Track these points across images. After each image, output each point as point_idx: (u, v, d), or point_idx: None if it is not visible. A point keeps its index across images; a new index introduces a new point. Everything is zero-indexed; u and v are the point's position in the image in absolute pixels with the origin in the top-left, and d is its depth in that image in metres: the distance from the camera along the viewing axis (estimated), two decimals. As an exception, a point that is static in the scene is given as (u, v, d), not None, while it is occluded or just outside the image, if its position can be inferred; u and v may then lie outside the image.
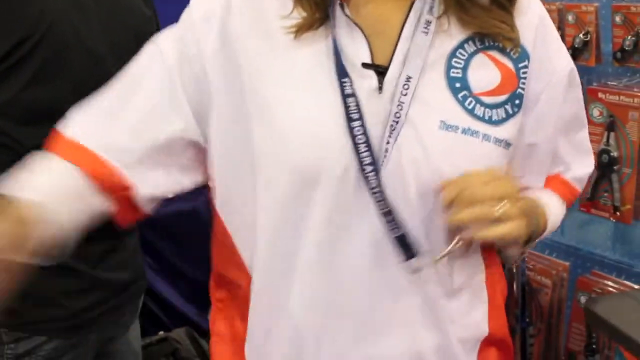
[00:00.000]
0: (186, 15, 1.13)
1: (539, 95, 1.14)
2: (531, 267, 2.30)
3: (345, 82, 1.05)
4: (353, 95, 1.04)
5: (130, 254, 1.76)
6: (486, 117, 1.08)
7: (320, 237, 1.07)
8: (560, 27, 2.18)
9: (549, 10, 2.12)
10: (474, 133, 1.07)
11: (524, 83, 1.11)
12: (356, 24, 1.07)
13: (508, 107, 1.10)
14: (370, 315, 1.11)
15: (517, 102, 1.11)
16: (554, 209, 1.25)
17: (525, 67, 1.11)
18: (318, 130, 1.05)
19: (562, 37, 2.17)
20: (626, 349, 1.62)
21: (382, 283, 1.09)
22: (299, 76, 1.08)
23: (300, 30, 1.07)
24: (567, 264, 2.25)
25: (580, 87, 1.23)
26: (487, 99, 1.09)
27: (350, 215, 1.06)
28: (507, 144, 1.10)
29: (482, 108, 1.08)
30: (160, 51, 1.12)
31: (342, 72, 1.05)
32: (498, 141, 1.09)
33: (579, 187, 1.32)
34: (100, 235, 1.64)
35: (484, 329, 1.19)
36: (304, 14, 1.07)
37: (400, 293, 1.10)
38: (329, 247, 1.07)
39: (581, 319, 2.19)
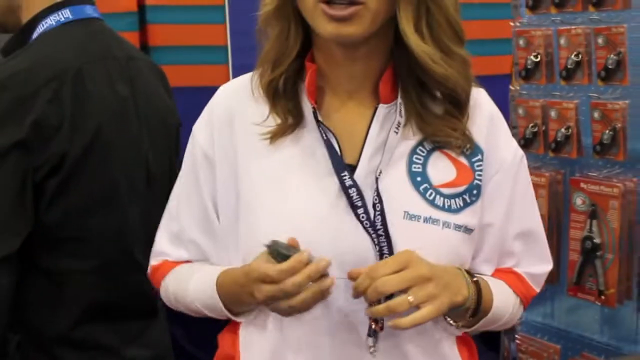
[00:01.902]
0: (207, 114, 1.30)
1: (490, 179, 1.24)
2: (523, 349, 2.37)
3: (344, 175, 1.17)
4: (354, 186, 1.17)
5: (160, 333, 1.85)
6: (445, 207, 1.19)
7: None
8: (544, 122, 2.31)
9: (532, 107, 2.31)
10: (435, 221, 1.19)
11: (479, 175, 1.22)
12: (329, 129, 1.20)
13: (466, 196, 1.21)
14: None
15: (474, 192, 1.22)
16: (499, 288, 1.28)
17: (480, 160, 1.22)
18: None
19: (546, 131, 2.31)
20: None
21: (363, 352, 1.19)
22: (287, 176, 1.22)
23: (275, 136, 1.22)
24: (558, 346, 2.32)
25: (528, 176, 1.31)
26: (446, 190, 1.20)
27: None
28: (467, 229, 1.21)
29: (442, 198, 1.19)
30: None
31: (339, 167, 1.18)
32: (458, 227, 1.20)
33: (535, 286, 1.34)
34: (139, 314, 1.77)
35: None
36: (278, 120, 1.22)
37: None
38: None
39: (573, 401, 2.26)
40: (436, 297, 1.10)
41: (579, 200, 2.15)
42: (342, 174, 1.18)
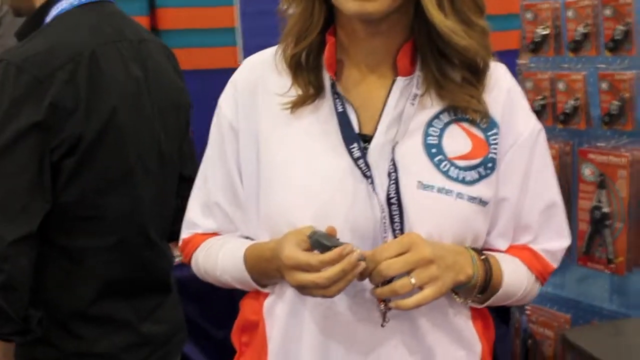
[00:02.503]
0: (231, 87, 1.34)
1: (505, 153, 1.26)
2: (534, 320, 2.40)
3: (353, 147, 1.21)
4: (361, 157, 1.20)
5: (173, 309, 1.89)
6: (460, 178, 1.22)
7: None
8: (553, 94, 2.33)
9: (541, 80, 2.33)
10: (448, 192, 1.21)
11: (495, 148, 1.24)
12: (347, 100, 1.23)
13: (481, 169, 1.23)
14: (367, 355, 1.24)
15: (489, 165, 1.24)
16: (512, 265, 1.29)
17: (495, 134, 1.24)
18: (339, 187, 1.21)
19: (554, 103, 2.33)
20: None
21: (377, 322, 1.22)
22: (305, 145, 1.25)
23: (296, 105, 1.25)
24: (568, 316, 2.35)
25: (547, 150, 1.32)
26: (461, 163, 1.22)
27: None
28: (482, 202, 1.23)
29: (456, 170, 1.22)
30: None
31: (349, 139, 1.21)
32: (471, 198, 1.22)
33: (553, 262, 1.34)
34: (153, 290, 1.80)
35: (476, 350, 1.30)
36: (300, 92, 1.25)
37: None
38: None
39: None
40: (438, 279, 1.13)
41: (587, 171, 2.17)
42: (352, 146, 1.21)
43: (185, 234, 1.42)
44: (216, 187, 1.35)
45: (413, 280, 1.11)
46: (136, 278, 1.74)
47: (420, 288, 1.12)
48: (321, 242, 1.12)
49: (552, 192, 1.32)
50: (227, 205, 1.34)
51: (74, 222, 1.63)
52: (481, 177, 1.23)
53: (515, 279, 1.29)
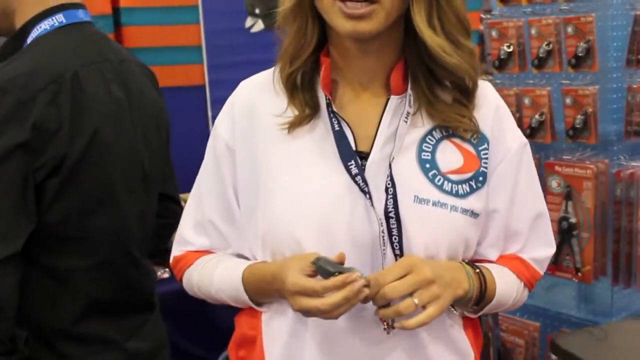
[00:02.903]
0: (228, 108, 1.36)
1: (495, 168, 1.30)
2: (504, 328, 2.46)
3: (350, 164, 1.25)
4: (359, 174, 1.24)
5: (157, 326, 1.90)
6: (453, 192, 1.25)
7: None
8: (518, 109, 2.39)
9: (507, 95, 2.40)
10: (443, 205, 1.24)
11: (486, 162, 1.28)
12: (343, 118, 1.27)
13: (472, 183, 1.27)
14: None
15: (480, 178, 1.28)
16: (503, 275, 1.32)
17: (486, 149, 1.29)
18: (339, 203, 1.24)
19: (520, 118, 2.39)
20: None
21: (377, 338, 1.26)
22: (303, 162, 1.28)
23: (293, 126, 1.29)
24: (537, 324, 2.41)
25: (532, 163, 1.36)
26: (454, 177, 1.26)
27: None
28: (474, 214, 1.27)
29: (450, 184, 1.26)
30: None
31: (346, 156, 1.25)
32: (465, 211, 1.26)
33: (540, 269, 1.37)
34: (138, 308, 1.81)
35: (469, 358, 1.34)
36: (296, 112, 1.29)
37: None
38: None
39: (554, 374, 2.35)
40: (439, 297, 1.16)
41: (554, 183, 2.24)
42: (349, 163, 1.24)
43: (177, 251, 1.44)
44: (211, 206, 1.38)
45: (416, 301, 1.14)
46: (121, 297, 1.75)
47: (423, 307, 1.15)
48: (325, 268, 1.14)
49: (538, 202, 1.36)
50: (222, 224, 1.37)
51: (59, 242, 1.63)
52: (473, 190, 1.27)
53: (507, 288, 1.33)
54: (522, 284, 1.36)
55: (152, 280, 1.91)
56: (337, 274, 1.14)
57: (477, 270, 1.27)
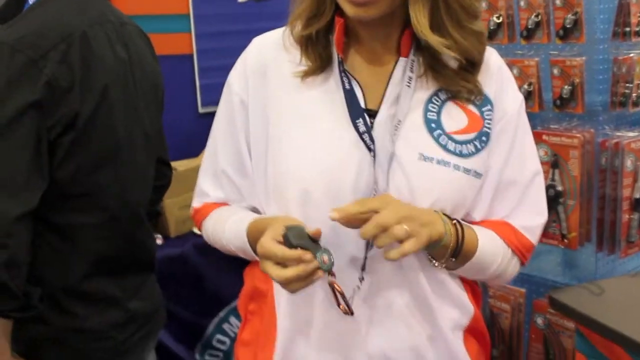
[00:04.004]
0: (240, 64, 1.41)
1: (495, 125, 1.36)
2: (491, 294, 2.52)
3: (359, 122, 1.28)
4: (366, 132, 1.28)
5: (154, 286, 1.95)
6: (457, 151, 1.31)
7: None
8: (507, 79, 2.43)
9: (496, 65, 2.40)
10: (446, 163, 1.30)
11: (489, 123, 1.34)
12: (354, 77, 1.31)
13: (477, 142, 1.33)
14: (370, 318, 1.32)
15: (483, 138, 1.34)
16: (486, 235, 1.36)
17: (489, 110, 1.35)
18: (341, 157, 1.29)
19: (509, 88, 2.43)
20: (583, 326, 1.89)
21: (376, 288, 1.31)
22: (314, 113, 1.33)
23: (306, 75, 1.33)
24: (523, 290, 2.47)
25: (527, 122, 1.41)
26: (458, 137, 1.32)
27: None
28: (477, 173, 1.33)
29: (454, 144, 1.31)
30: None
31: (355, 114, 1.29)
32: (467, 170, 1.32)
33: (531, 238, 1.41)
34: (138, 268, 1.86)
35: (469, 312, 1.40)
36: (309, 63, 1.32)
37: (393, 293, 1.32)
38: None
39: (539, 339, 2.41)
40: (417, 233, 1.21)
41: (541, 152, 2.27)
42: (357, 120, 1.29)
43: (196, 202, 1.51)
44: (225, 158, 1.42)
45: (406, 227, 1.18)
46: (126, 255, 1.80)
47: (400, 242, 1.19)
48: (289, 239, 1.18)
49: (529, 170, 1.41)
50: (235, 176, 1.42)
51: (67, 199, 1.67)
52: (477, 150, 1.32)
53: (490, 249, 1.36)
54: (510, 250, 1.39)
55: (154, 240, 1.96)
56: (297, 248, 1.16)
57: (454, 221, 1.31)
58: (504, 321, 2.49)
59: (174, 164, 3.28)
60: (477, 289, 1.47)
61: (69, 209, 1.68)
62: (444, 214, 1.31)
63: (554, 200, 2.26)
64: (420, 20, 1.23)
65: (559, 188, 2.25)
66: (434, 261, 1.33)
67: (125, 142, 1.76)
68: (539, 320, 2.38)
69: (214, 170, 1.46)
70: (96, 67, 1.67)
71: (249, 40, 1.44)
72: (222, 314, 2.96)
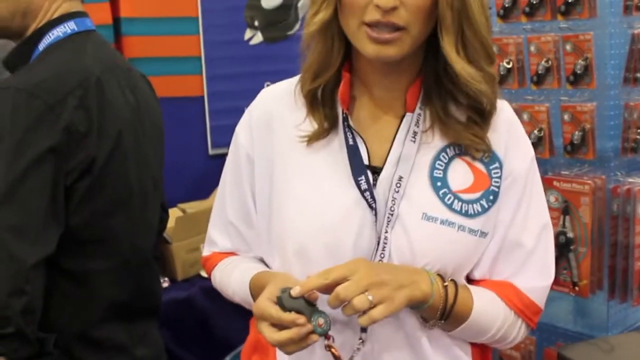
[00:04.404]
0: (247, 116, 1.40)
1: (505, 186, 1.31)
2: (502, 341, 2.48)
3: (361, 179, 1.27)
4: (368, 189, 1.26)
5: (157, 332, 1.93)
6: (463, 211, 1.27)
7: None
8: (517, 124, 2.42)
9: (506, 111, 2.40)
10: (451, 224, 1.26)
11: (497, 182, 1.30)
12: (358, 133, 1.30)
13: (483, 202, 1.29)
14: None
15: (491, 197, 1.30)
16: (485, 297, 1.31)
17: (497, 168, 1.30)
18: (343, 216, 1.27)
19: (519, 133, 2.42)
20: None
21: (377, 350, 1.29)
22: (318, 173, 1.31)
23: (312, 139, 1.32)
24: (533, 337, 2.42)
25: (538, 177, 1.35)
26: (465, 196, 1.28)
27: None
28: (483, 233, 1.29)
29: (460, 203, 1.28)
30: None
31: (357, 171, 1.28)
32: (472, 231, 1.28)
33: (536, 299, 1.34)
34: (145, 314, 1.85)
35: None
36: (315, 124, 1.31)
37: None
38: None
39: (550, 388, 2.37)
40: (390, 298, 1.17)
41: (552, 198, 2.26)
42: (359, 178, 1.27)
43: (206, 251, 1.51)
44: (232, 209, 1.42)
45: (370, 297, 1.14)
46: (135, 301, 1.79)
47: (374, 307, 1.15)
48: (282, 302, 1.16)
49: (544, 214, 1.36)
50: (242, 227, 1.41)
51: (80, 244, 1.66)
52: (483, 210, 1.28)
53: (488, 311, 1.31)
54: (513, 312, 1.33)
55: (160, 285, 1.95)
56: (290, 311, 1.15)
57: (446, 282, 1.26)
58: (514, 369, 2.45)
59: (183, 205, 3.30)
60: (487, 353, 1.42)
61: (82, 254, 1.68)
62: (438, 274, 1.27)
63: (564, 247, 2.23)
64: (448, 49, 1.20)
65: (570, 235, 2.23)
66: (424, 321, 1.29)
67: (137, 188, 1.76)
68: (550, 369, 2.34)
69: (223, 221, 1.46)
70: (111, 113, 1.67)
71: (259, 82, 1.44)
72: (228, 358, 2.93)
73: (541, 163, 2.38)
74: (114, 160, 1.67)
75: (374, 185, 1.28)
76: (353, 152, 1.29)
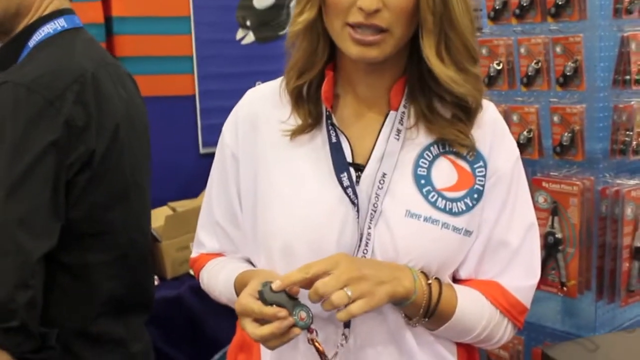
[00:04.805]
0: (233, 116, 1.41)
1: (489, 185, 1.31)
2: (490, 341, 2.49)
3: (343, 176, 1.27)
4: (350, 186, 1.27)
5: (145, 327, 1.93)
6: (447, 209, 1.28)
7: None
8: (507, 126, 2.42)
9: (496, 112, 2.41)
10: (435, 221, 1.27)
11: (481, 180, 1.30)
12: (341, 131, 1.31)
13: (468, 200, 1.29)
14: None
15: (475, 196, 1.30)
16: (469, 295, 1.31)
17: (481, 167, 1.31)
18: (325, 212, 1.28)
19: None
20: None
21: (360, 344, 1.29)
22: (301, 170, 1.31)
23: (295, 133, 1.32)
24: (521, 337, 2.43)
25: (523, 176, 1.36)
26: (448, 194, 1.29)
27: None
28: (467, 232, 1.29)
29: (444, 201, 1.28)
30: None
31: (340, 169, 1.28)
32: (456, 229, 1.28)
33: (521, 299, 1.34)
34: (140, 309, 1.85)
35: None
36: (299, 121, 1.32)
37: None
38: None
39: (538, 387, 2.38)
40: (369, 293, 1.17)
41: (541, 199, 2.27)
42: (342, 175, 1.27)
43: (194, 252, 1.52)
44: (219, 210, 1.43)
45: (349, 293, 1.14)
46: (132, 295, 1.79)
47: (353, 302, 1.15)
48: (263, 296, 1.16)
49: (530, 213, 1.37)
50: (229, 228, 1.42)
51: (79, 238, 1.67)
52: (468, 208, 1.29)
53: (473, 310, 1.31)
54: (499, 312, 1.33)
55: (153, 282, 1.96)
56: (271, 305, 1.15)
57: (430, 280, 1.26)
58: (502, 369, 2.47)
59: (173, 204, 3.30)
60: (474, 353, 1.42)
61: (81, 248, 1.68)
62: (422, 272, 1.27)
63: (553, 247, 2.24)
64: (428, 52, 1.21)
65: (558, 235, 2.24)
66: (407, 319, 1.29)
67: (133, 182, 1.77)
68: (538, 369, 2.35)
69: (209, 222, 1.47)
70: (107, 108, 1.69)
71: (251, 82, 1.45)
72: (216, 356, 2.93)
73: (530, 164, 2.41)
74: (112, 153, 1.68)
75: (357, 182, 1.28)
76: (336, 150, 1.30)
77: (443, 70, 1.22)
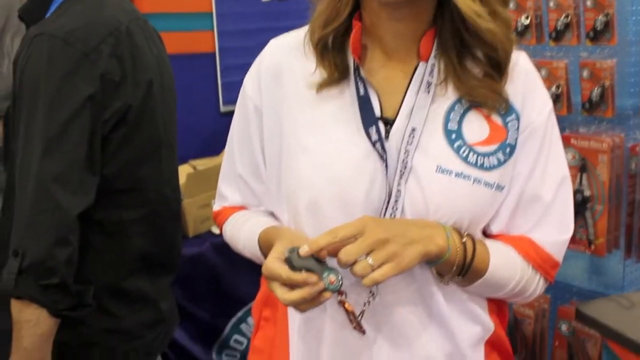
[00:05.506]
0: (255, 67, 1.37)
1: (522, 138, 1.26)
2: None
3: (371, 130, 1.24)
4: (379, 141, 1.24)
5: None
6: (478, 164, 1.23)
7: None
8: (534, 81, 2.39)
9: (523, 67, 2.36)
10: (466, 177, 1.22)
11: (514, 134, 1.25)
12: (370, 84, 1.27)
13: (500, 155, 1.25)
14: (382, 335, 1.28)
15: (507, 150, 1.25)
16: (502, 252, 1.28)
17: (514, 120, 1.25)
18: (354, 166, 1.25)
19: (536, 90, 2.39)
20: (612, 341, 1.83)
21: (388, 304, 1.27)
22: (328, 124, 1.29)
23: (321, 87, 1.28)
24: (548, 296, 2.42)
25: (556, 129, 1.31)
26: (480, 148, 1.24)
27: None
28: (499, 187, 1.25)
29: (475, 156, 1.23)
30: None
31: (368, 122, 1.25)
32: (488, 184, 1.24)
33: (554, 254, 1.30)
34: (169, 268, 1.84)
35: (488, 327, 1.33)
36: (325, 74, 1.29)
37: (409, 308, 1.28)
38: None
39: (563, 346, 2.36)
40: (397, 255, 1.13)
41: (569, 156, 2.23)
42: (369, 129, 1.23)
43: (216, 205, 1.49)
44: (241, 163, 1.40)
45: (370, 261, 1.11)
46: (161, 253, 1.79)
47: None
48: (291, 262, 1.13)
49: (562, 166, 1.32)
50: (252, 181, 1.39)
51: (112, 194, 1.65)
52: (500, 164, 1.25)
53: (506, 266, 1.28)
54: (531, 267, 1.30)
55: (181, 240, 1.94)
56: (300, 270, 1.12)
57: (464, 237, 1.23)
58: (527, 327, 2.45)
59: (194, 162, 3.28)
60: (503, 307, 1.40)
61: (114, 204, 1.67)
62: (454, 228, 1.24)
63: (581, 205, 2.21)
64: None
65: (587, 193, 2.21)
66: (439, 277, 1.26)
67: (164, 137, 1.75)
68: (564, 327, 2.34)
69: (232, 175, 1.44)
70: (141, 62, 1.66)
71: (271, 39, 1.41)
72: (239, 314, 2.93)
73: (559, 120, 2.32)
74: (146, 109, 1.66)
75: (387, 137, 1.25)
76: (364, 103, 1.26)
77: (467, 4, 1.16)
